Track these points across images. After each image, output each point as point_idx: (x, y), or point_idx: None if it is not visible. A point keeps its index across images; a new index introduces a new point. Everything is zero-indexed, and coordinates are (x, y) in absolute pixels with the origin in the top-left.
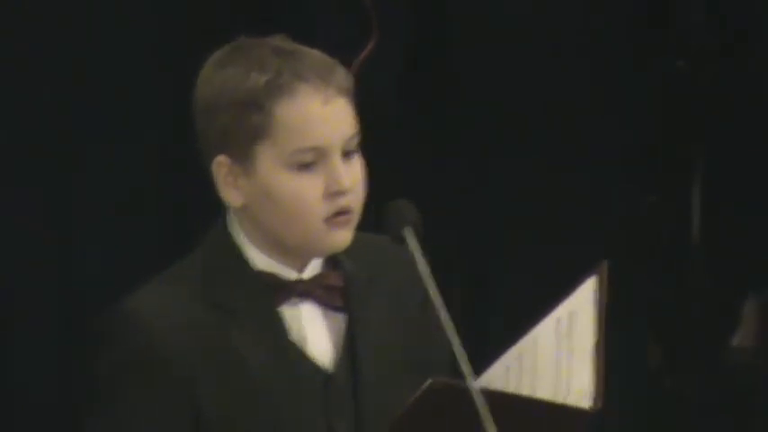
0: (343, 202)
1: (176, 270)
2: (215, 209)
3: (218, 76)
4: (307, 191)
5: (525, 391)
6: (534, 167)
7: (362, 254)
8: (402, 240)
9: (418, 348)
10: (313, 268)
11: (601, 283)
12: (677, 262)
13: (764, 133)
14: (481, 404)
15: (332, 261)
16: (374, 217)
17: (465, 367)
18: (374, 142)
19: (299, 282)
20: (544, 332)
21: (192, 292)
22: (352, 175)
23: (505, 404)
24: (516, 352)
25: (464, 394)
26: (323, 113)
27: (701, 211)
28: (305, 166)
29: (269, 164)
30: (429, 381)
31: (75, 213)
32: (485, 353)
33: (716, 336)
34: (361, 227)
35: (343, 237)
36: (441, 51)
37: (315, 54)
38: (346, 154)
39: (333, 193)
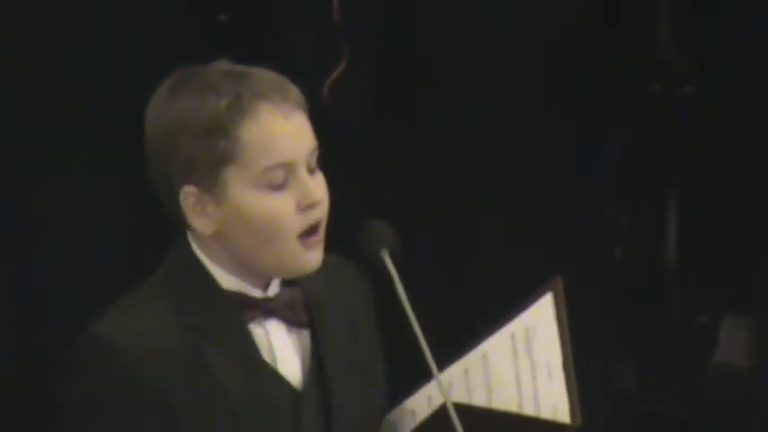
0: (314, 215)
1: (143, 291)
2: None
3: (173, 106)
4: (279, 208)
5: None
6: (507, 182)
7: (314, 273)
8: (379, 262)
9: (369, 366)
10: (275, 286)
11: (557, 298)
12: (653, 282)
13: (742, 152)
14: (456, 422)
15: (290, 279)
16: (349, 236)
17: (442, 390)
18: (345, 159)
19: (266, 300)
20: (495, 348)
21: (162, 314)
22: (320, 188)
23: (490, 420)
24: (461, 367)
25: (476, 417)
26: (285, 129)
27: (676, 229)
28: (275, 186)
29: (238, 187)
30: (441, 405)
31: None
32: None
33: (692, 356)
34: (337, 246)
35: (315, 257)
36: (411, 69)
37: (266, 72)
38: (310, 170)
39: (305, 207)
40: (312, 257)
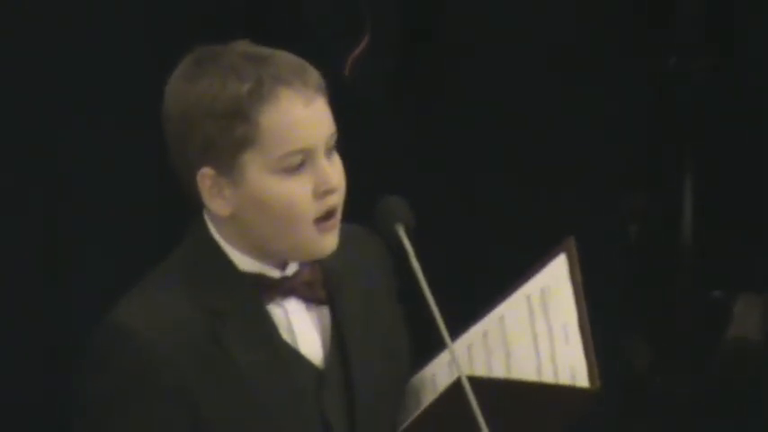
0: (331, 200)
1: (160, 276)
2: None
3: (193, 89)
4: (297, 193)
5: (498, 370)
6: (523, 166)
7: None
8: (394, 237)
9: (390, 337)
10: (293, 265)
11: (571, 258)
12: (667, 260)
13: (757, 131)
14: (471, 395)
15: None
16: (365, 213)
17: (457, 364)
18: (364, 139)
19: (284, 279)
20: (512, 310)
21: (180, 300)
22: (337, 173)
23: (507, 389)
24: (480, 330)
25: (491, 388)
26: (306, 115)
27: (691, 206)
28: (293, 170)
29: (257, 171)
30: (457, 375)
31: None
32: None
33: (706, 332)
34: (352, 221)
35: (331, 241)
36: (432, 48)
37: (287, 56)
38: (328, 151)
39: (322, 193)
40: (327, 242)
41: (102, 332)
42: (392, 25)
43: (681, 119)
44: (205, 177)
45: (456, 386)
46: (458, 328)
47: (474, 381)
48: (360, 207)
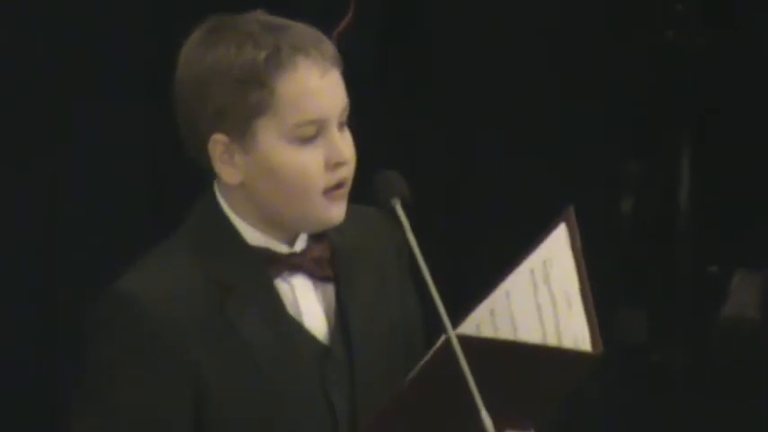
0: (341, 173)
1: (167, 248)
2: (198, 185)
3: (209, 54)
4: (309, 163)
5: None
6: (519, 135)
7: (343, 224)
8: (390, 211)
9: (399, 314)
10: (302, 241)
11: (570, 227)
12: (664, 233)
13: (757, 105)
14: (461, 355)
15: (318, 232)
16: (360, 187)
17: (446, 326)
18: (352, 116)
19: (292, 255)
20: (517, 284)
21: (188, 271)
22: (349, 146)
23: (509, 351)
24: (487, 308)
25: (484, 348)
26: (322, 86)
27: (689, 181)
28: (306, 140)
29: (270, 139)
30: (444, 336)
31: (61, 193)
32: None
33: (703, 308)
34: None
35: (339, 211)
36: (416, 23)
37: (304, 27)
38: (340, 125)
39: (333, 165)
40: (335, 211)
41: (105, 298)
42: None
43: (679, 91)
44: (217, 143)
45: (445, 347)
46: (456, 309)
47: (464, 340)
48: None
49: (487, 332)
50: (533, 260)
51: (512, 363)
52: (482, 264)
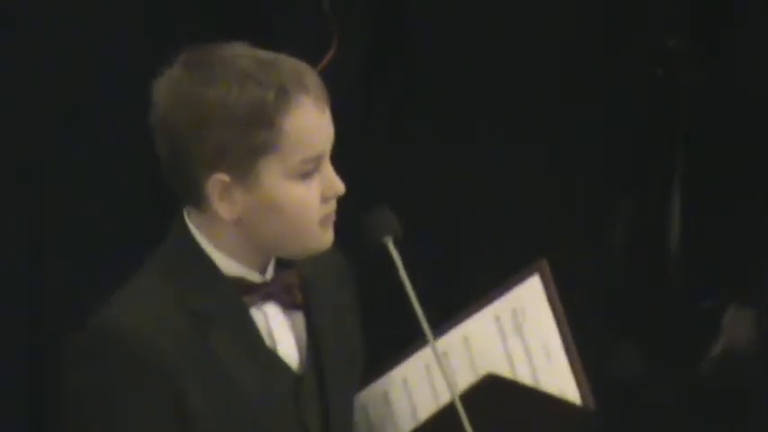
0: (333, 205)
1: (144, 278)
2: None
3: (207, 92)
4: (309, 197)
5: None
6: (506, 170)
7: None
8: (382, 249)
9: (353, 344)
10: (270, 269)
11: (545, 279)
12: (655, 266)
13: (745, 135)
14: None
15: (281, 261)
16: (341, 220)
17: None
18: (338, 147)
19: (265, 284)
20: (478, 330)
21: (165, 301)
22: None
23: (512, 392)
24: (439, 351)
25: (513, 391)
26: (321, 121)
27: (680, 215)
28: (306, 175)
29: (273, 176)
30: (485, 374)
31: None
32: None
33: (694, 343)
34: (339, 231)
35: (331, 236)
36: (402, 56)
37: (293, 61)
38: (330, 158)
39: (328, 198)
40: (328, 237)
41: (88, 333)
42: (361, 36)
43: (669, 126)
44: (217, 182)
45: (488, 384)
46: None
47: (492, 380)
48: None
49: (438, 374)
50: (499, 307)
51: (529, 409)
52: (482, 266)
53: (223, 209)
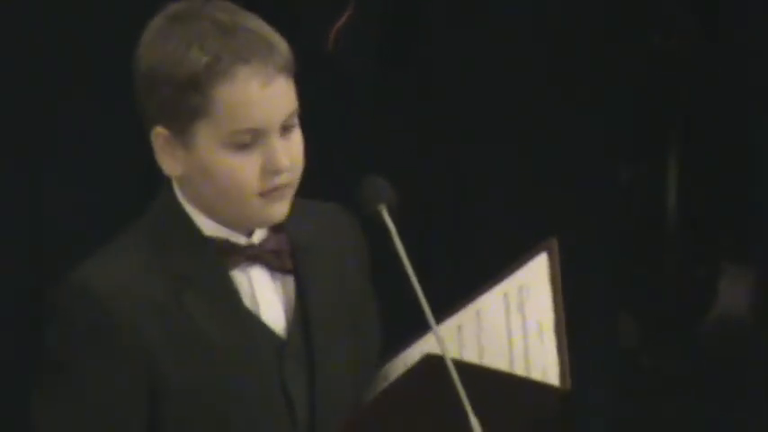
0: (279, 180)
1: (124, 239)
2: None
3: (160, 48)
4: (243, 169)
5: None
6: (508, 140)
7: (303, 219)
8: (377, 217)
9: (359, 316)
10: (260, 232)
11: (552, 260)
12: (652, 236)
13: (743, 106)
14: (458, 381)
15: (276, 225)
16: (346, 190)
17: (441, 346)
18: (350, 112)
19: (250, 246)
20: (489, 306)
21: (142, 260)
22: (292, 152)
23: (477, 375)
24: (455, 323)
25: (459, 370)
26: (261, 96)
27: (676, 182)
28: (242, 146)
29: (207, 142)
30: (425, 354)
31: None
32: None
33: (692, 310)
34: (336, 199)
35: (278, 209)
36: (416, 23)
37: (256, 29)
38: (285, 128)
39: (270, 172)
40: (274, 210)
41: (61, 290)
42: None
43: (667, 94)
44: (158, 135)
45: (428, 363)
46: (440, 313)
47: (440, 360)
48: (341, 184)
49: (453, 347)
50: (509, 284)
51: (480, 387)
52: (481, 263)
53: (165, 163)
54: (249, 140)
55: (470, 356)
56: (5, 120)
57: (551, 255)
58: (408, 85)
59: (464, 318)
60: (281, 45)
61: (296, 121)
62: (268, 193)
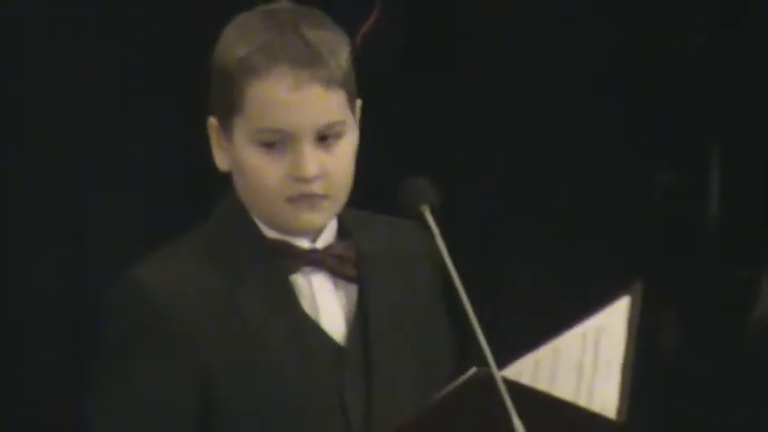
0: (307, 188)
1: (188, 238)
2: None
3: (222, 39)
4: (267, 171)
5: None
6: (548, 148)
7: (373, 231)
8: (419, 218)
9: (423, 331)
10: (325, 238)
11: (634, 301)
12: (694, 238)
13: None
14: (505, 394)
15: (344, 233)
16: (388, 193)
17: (487, 353)
18: (377, 117)
19: (313, 251)
20: (568, 345)
21: (200, 260)
22: (327, 163)
23: (533, 399)
24: (533, 359)
25: (510, 388)
26: (290, 99)
27: (718, 184)
28: (269, 146)
29: (241, 138)
30: (474, 369)
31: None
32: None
33: (734, 312)
34: (374, 202)
35: (309, 218)
36: (444, 20)
37: (311, 36)
38: (323, 138)
39: (295, 178)
40: (304, 218)
41: (113, 290)
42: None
43: (710, 96)
44: (211, 127)
45: (481, 377)
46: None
47: (491, 377)
48: (370, 185)
49: (526, 380)
50: (589, 325)
51: (530, 409)
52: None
53: (216, 156)
54: (274, 141)
55: (543, 388)
56: (47, 120)
57: (634, 297)
58: (437, 85)
59: (542, 354)
60: (333, 59)
61: (341, 132)
62: (296, 200)
